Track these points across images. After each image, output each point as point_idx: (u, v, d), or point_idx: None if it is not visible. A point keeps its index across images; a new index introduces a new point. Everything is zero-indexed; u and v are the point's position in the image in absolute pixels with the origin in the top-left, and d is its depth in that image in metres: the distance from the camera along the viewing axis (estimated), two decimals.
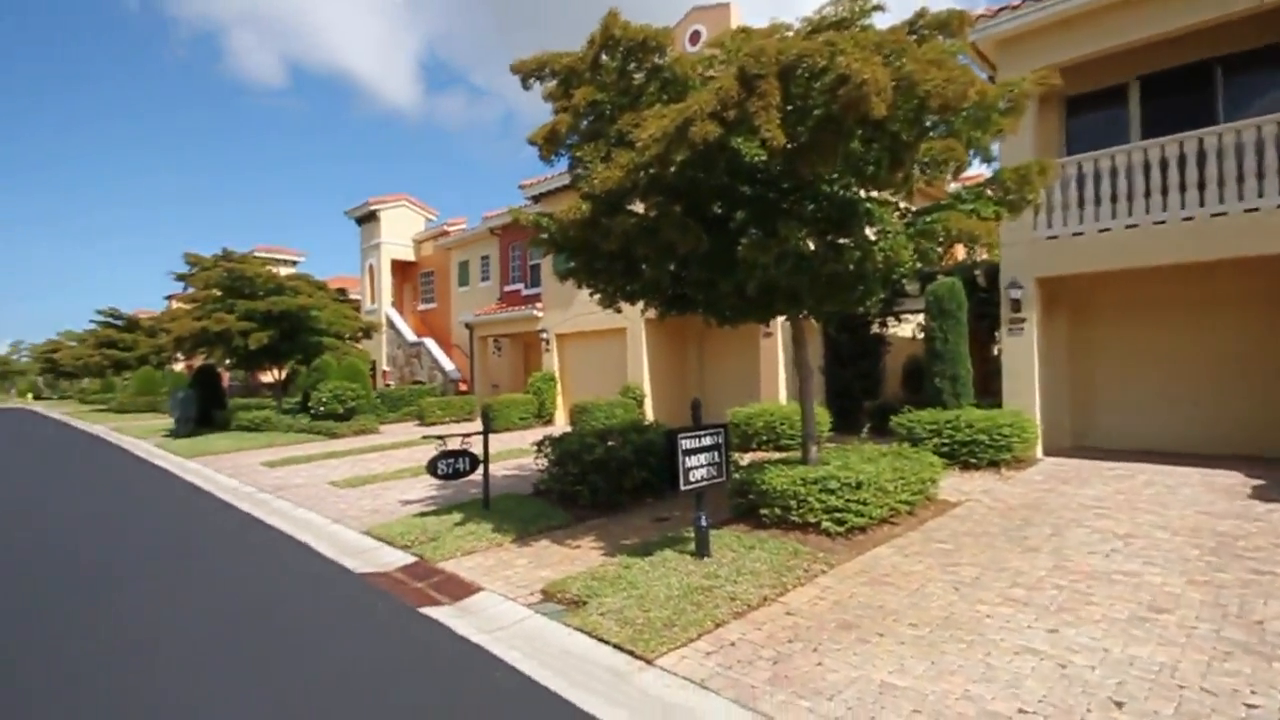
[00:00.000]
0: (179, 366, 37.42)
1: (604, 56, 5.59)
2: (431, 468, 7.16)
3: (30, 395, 63.21)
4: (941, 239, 5.48)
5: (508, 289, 21.88)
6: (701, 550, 5.49)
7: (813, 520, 6.06)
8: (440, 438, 7.32)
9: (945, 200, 6.08)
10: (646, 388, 15.54)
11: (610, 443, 8.01)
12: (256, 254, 26.83)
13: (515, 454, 11.74)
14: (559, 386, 18.01)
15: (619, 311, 7.24)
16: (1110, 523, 6.24)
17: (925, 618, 4.34)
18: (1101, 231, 8.89)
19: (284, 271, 22.21)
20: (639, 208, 6.09)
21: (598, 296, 7.07)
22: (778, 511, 6.25)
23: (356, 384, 18.48)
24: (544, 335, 18.15)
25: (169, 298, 40.11)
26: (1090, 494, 7.36)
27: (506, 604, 5.01)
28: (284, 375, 22.39)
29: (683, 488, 5.37)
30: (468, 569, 5.83)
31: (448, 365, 22.76)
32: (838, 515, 6.01)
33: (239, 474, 11.80)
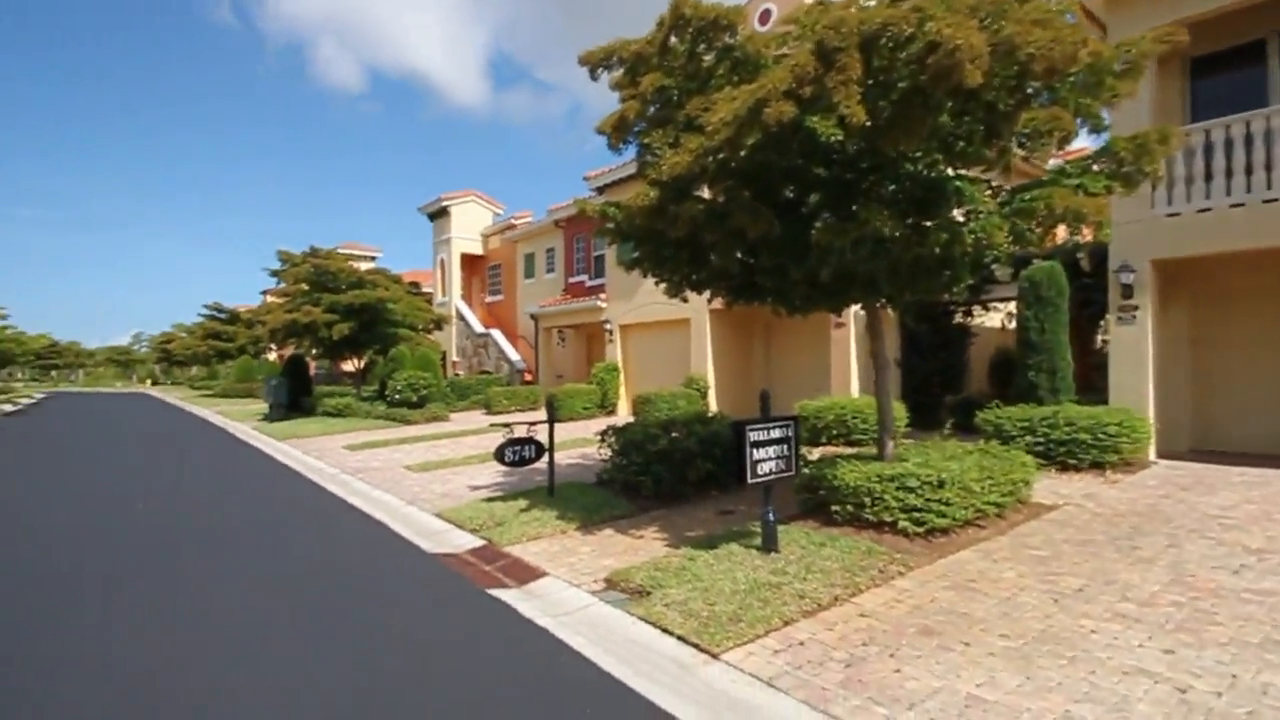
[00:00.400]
0: (272, 356, 39.77)
1: (673, 39, 5.43)
2: (499, 454, 7.22)
3: (149, 381, 68.76)
4: (1042, 219, 5.03)
5: (572, 280, 22.04)
6: (769, 545, 5.28)
7: (889, 519, 5.73)
8: (507, 425, 7.38)
9: (1045, 176, 5.60)
10: (710, 379, 15.31)
11: (674, 433, 7.87)
12: (340, 250, 28.16)
13: (579, 443, 11.78)
14: (622, 377, 18.01)
15: (685, 301, 7.08)
16: (1240, 535, 5.61)
17: (1018, 629, 3.99)
18: (1234, 207, 7.95)
19: (363, 266, 23.18)
20: (706, 195, 5.90)
21: (663, 286, 6.93)
22: (850, 509, 5.95)
23: (428, 373, 19.07)
24: (607, 326, 18.18)
25: (264, 293, 42.66)
26: (1215, 502, 6.66)
27: (571, 590, 4.97)
28: (363, 365, 23.39)
29: (749, 481, 5.17)
30: (533, 554, 5.83)
31: (514, 356, 23.18)
32: (916, 515, 5.66)
33: (324, 456, 12.35)
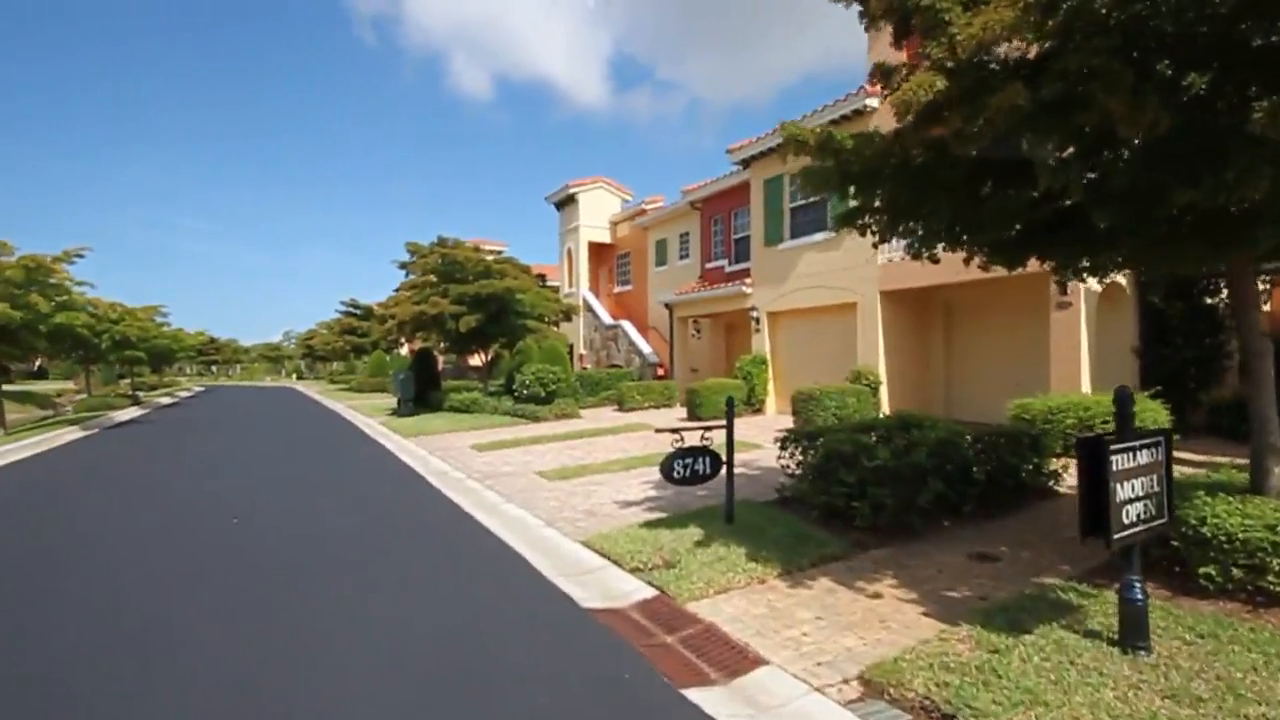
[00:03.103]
0: (404, 351, 41.16)
1: None
2: (666, 470, 5.60)
3: (295, 375, 74.75)
4: None
5: (709, 266, 20.27)
6: (1133, 640, 3.25)
7: None
8: (675, 431, 5.73)
9: None
10: (882, 373, 13.00)
11: (892, 441, 5.92)
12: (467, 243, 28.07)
13: (737, 447, 10.00)
14: (770, 371, 16.02)
15: (936, 262, 5.07)
16: None
17: None
18: None
19: (490, 257, 22.66)
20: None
21: (896, 244, 5.02)
22: (1237, 573, 3.78)
23: (557, 367, 18.07)
24: (754, 314, 16.24)
25: (398, 289, 44.36)
26: None
27: (813, 698, 3.21)
28: (489, 358, 22.93)
29: (1115, 537, 3.16)
30: (730, 619, 4.13)
31: (645, 348, 21.76)
32: None
33: (450, 457, 11.41)
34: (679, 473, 5.64)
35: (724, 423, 6.09)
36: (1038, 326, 11.41)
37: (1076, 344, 9.86)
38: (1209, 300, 10.76)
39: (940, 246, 4.70)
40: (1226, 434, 9.71)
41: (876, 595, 4.41)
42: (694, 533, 5.70)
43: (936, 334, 13.74)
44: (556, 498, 7.85)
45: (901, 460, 5.55)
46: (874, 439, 6.27)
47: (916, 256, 4.84)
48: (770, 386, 15.91)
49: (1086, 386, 9.86)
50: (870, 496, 5.43)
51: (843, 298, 13.79)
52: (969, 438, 6.34)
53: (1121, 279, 10.58)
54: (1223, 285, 10.55)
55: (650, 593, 4.65)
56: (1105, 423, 8.19)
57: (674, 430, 5.69)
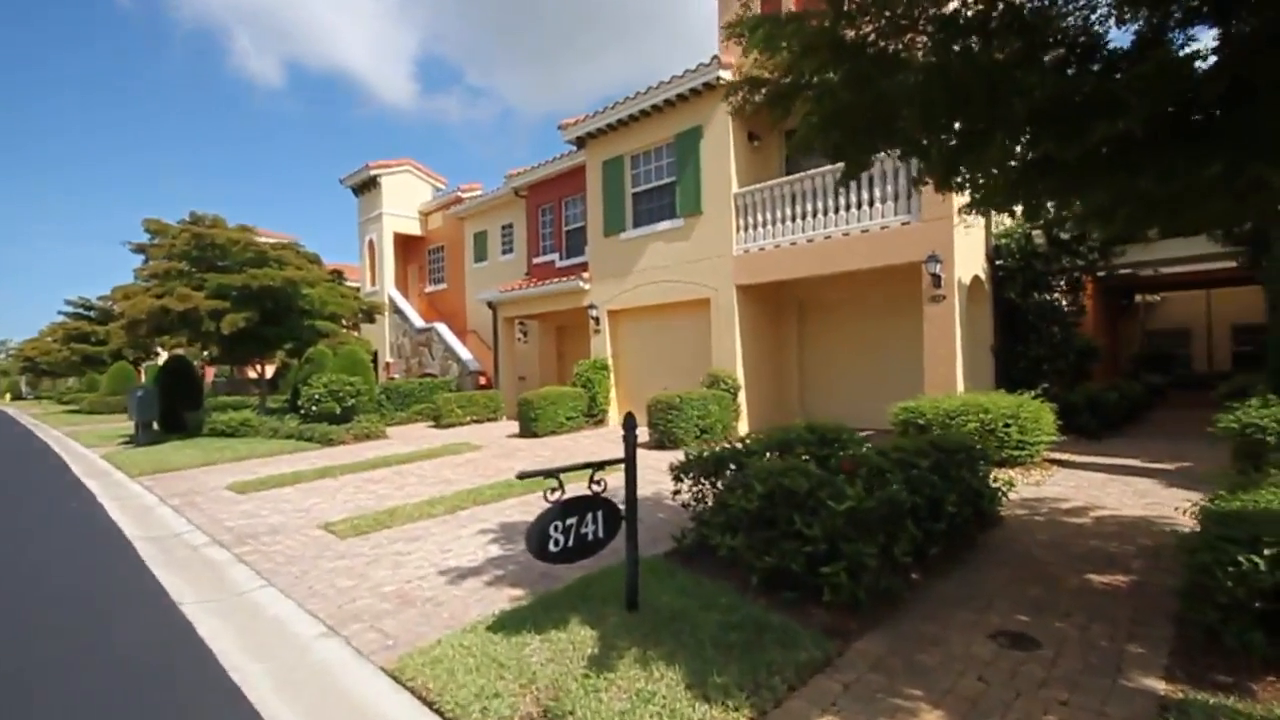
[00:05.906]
0: (163, 360, 33.35)
1: None
2: (537, 542, 3.34)
3: (9, 396, 58.93)
4: None
5: (537, 261, 18.01)
6: None
7: None
8: (552, 474, 3.48)
9: None
10: (740, 376, 11.73)
11: (829, 463, 4.25)
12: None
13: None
14: (612, 377, 14.22)
15: (1012, 215, 3.39)
16: None
17: None
18: None
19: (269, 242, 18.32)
20: None
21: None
22: None
23: (356, 377, 14.71)
24: (593, 312, 14.32)
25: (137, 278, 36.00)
26: None
27: None
28: (272, 369, 18.65)
29: None
30: None
31: (464, 354, 18.93)
32: None
33: (192, 504, 8.01)
34: (558, 542, 3.43)
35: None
36: (899, 323, 10.84)
37: (952, 341, 9.20)
38: (1047, 296, 10.85)
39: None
40: (1081, 433, 9.65)
41: None
42: (581, 635, 3.52)
43: (790, 333, 12.84)
44: (350, 569, 5.22)
45: (875, 498, 3.87)
46: (806, 459, 4.61)
47: (983, 211, 3.14)
48: (613, 394, 14.09)
49: (960, 386, 9.24)
50: (849, 558, 3.65)
51: (694, 293, 12.37)
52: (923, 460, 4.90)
53: (981, 272, 10.27)
54: (1070, 280, 10.69)
55: None
56: (1007, 426, 7.40)
57: (548, 473, 3.44)
